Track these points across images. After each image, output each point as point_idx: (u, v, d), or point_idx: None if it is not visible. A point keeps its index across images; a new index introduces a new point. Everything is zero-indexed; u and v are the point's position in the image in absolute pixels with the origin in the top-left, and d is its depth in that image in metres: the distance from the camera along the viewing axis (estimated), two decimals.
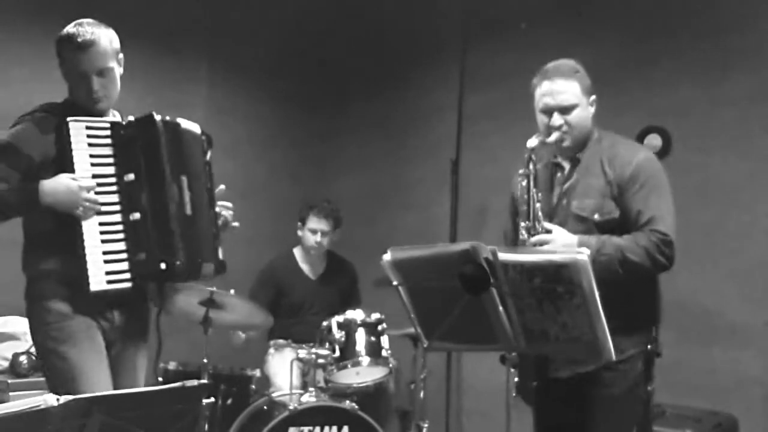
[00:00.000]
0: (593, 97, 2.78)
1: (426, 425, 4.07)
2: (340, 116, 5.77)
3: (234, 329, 4.21)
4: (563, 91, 2.70)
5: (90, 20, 2.67)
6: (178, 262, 2.63)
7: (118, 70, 2.71)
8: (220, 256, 2.85)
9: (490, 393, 4.24)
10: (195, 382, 2.03)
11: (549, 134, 2.72)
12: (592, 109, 2.78)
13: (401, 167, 5.53)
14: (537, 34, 4.73)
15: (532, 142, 2.70)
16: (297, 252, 4.69)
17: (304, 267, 4.67)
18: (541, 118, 2.76)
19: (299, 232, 4.62)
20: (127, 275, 2.60)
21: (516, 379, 2.67)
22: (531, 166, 2.69)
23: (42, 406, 1.68)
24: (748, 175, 4.00)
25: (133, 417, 1.87)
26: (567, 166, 2.80)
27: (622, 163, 2.69)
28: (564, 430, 2.75)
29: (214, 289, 3.60)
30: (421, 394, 4.10)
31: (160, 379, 3.85)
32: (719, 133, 4.09)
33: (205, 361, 3.62)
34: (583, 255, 2.16)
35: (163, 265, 2.61)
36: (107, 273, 2.55)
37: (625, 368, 2.61)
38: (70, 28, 2.64)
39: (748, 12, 4.05)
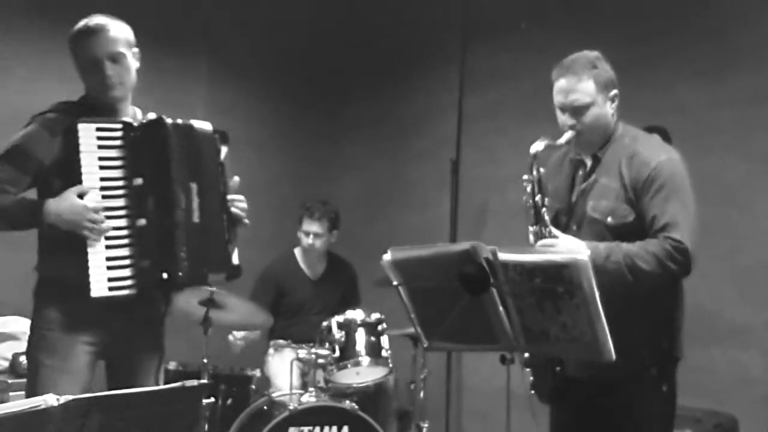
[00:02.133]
0: (614, 91, 2.66)
1: (426, 425, 4.07)
2: (340, 116, 5.77)
3: (234, 330, 4.21)
4: (575, 90, 2.60)
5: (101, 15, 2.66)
6: (180, 273, 2.57)
7: (133, 62, 2.68)
8: (235, 261, 2.78)
9: (490, 393, 4.24)
10: (195, 382, 2.03)
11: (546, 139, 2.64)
12: (612, 105, 2.66)
13: (401, 167, 5.53)
14: (537, 34, 4.73)
15: (536, 147, 2.59)
16: (298, 252, 4.69)
17: (305, 267, 4.67)
18: (558, 114, 2.67)
19: (298, 233, 4.63)
20: (130, 282, 2.54)
21: (531, 378, 2.62)
22: (534, 172, 2.60)
23: (42, 406, 1.68)
24: (747, 175, 4.00)
25: (133, 417, 1.87)
26: (588, 163, 2.70)
27: (640, 164, 2.57)
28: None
29: (214, 288, 3.60)
30: (421, 394, 4.10)
31: None
32: (719, 132, 4.09)
33: (205, 361, 3.62)
34: (583, 255, 2.15)
35: (164, 275, 2.56)
36: (110, 279, 2.50)
37: (642, 372, 2.56)
38: (81, 23, 2.62)
39: (748, 12, 4.05)
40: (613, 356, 2.22)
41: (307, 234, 4.55)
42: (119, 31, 2.64)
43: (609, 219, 2.57)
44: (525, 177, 2.62)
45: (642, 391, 2.58)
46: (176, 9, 5.00)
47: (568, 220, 2.66)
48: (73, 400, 1.74)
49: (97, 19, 2.62)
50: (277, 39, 5.50)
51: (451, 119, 5.19)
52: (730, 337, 3.97)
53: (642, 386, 2.58)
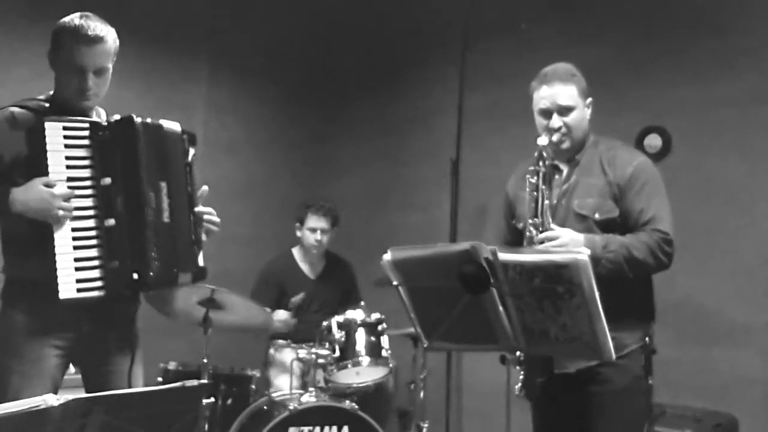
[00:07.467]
0: (590, 99, 2.84)
1: (426, 425, 4.07)
2: (340, 116, 5.77)
3: (234, 331, 4.20)
4: (561, 94, 2.76)
5: (95, 16, 2.59)
6: (151, 273, 2.52)
7: (110, 74, 2.63)
8: (200, 262, 2.72)
9: (490, 393, 4.25)
10: (195, 382, 2.03)
11: (549, 136, 2.78)
12: (589, 111, 2.84)
13: (401, 167, 5.53)
14: (536, 35, 4.73)
15: (543, 140, 2.73)
16: (296, 252, 4.70)
17: (304, 267, 4.68)
18: (540, 121, 2.81)
19: (298, 233, 4.63)
20: (99, 283, 2.48)
21: (521, 376, 2.67)
22: (541, 163, 2.72)
23: (42, 406, 1.68)
24: (747, 175, 4.00)
25: (133, 417, 1.87)
26: (565, 168, 2.84)
27: (623, 164, 2.75)
28: (566, 426, 2.75)
29: (214, 287, 3.60)
30: (421, 394, 4.10)
31: (160, 379, 3.86)
32: (719, 132, 4.09)
33: (205, 361, 3.62)
34: (583, 255, 2.17)
35: (135, 275, 2.50)
36: (78, 281, 2.44)
37: (627, 363, 2.63)
38: (77, 19, 2.55)
39: (748, 12, 4.05)
40: (613, 356, 2.25)
41: (314, 230, 4.55)
42: (112, 44, 2.59)
43: (596, 215, 2.72)
44: (530, 168, 2.74)
45: (629, 384, 2.66)
46: (176, 9, 5.00)
47: (551, 220, 2.74)
48: (73, 400, 1.74)
49: (95, 26, 2.55)
50: (277, 39, 5.50)
51: (451, 119, 5.19)
52: (730, 337, 3.98)
53: (628, 378, 2.65)
